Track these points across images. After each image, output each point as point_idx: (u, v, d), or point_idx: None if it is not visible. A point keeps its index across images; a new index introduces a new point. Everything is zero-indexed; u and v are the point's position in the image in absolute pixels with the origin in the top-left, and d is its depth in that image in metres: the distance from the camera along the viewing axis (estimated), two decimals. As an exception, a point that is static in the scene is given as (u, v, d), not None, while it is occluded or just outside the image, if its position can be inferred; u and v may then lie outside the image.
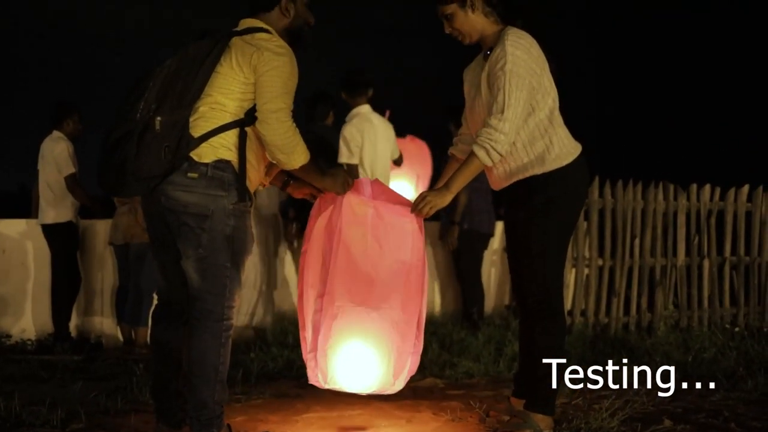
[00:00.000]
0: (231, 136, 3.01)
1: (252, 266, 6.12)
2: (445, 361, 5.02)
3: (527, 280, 3.36)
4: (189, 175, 2.96)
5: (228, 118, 3.00)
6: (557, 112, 3.31)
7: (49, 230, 6.15)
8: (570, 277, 6.23)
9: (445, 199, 3.26)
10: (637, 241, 6.33)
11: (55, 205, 6.10)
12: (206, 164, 2.97)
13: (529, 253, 3.32)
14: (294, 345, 5.32)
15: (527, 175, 3.29)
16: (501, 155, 3.19)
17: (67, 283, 6.16)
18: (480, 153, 3.19)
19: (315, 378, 3.23)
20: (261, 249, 6.08)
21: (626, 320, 6.26)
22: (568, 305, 6.29)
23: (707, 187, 6.58)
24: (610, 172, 6.44)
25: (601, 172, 6.33)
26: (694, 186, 6.54)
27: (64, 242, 6.16)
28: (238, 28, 3.11)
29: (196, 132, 2.97)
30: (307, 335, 3.29)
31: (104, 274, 6.51)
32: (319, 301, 3.17)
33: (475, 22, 3.29)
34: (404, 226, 3.22)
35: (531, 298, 3.37)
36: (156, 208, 3.06)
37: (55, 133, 6.20)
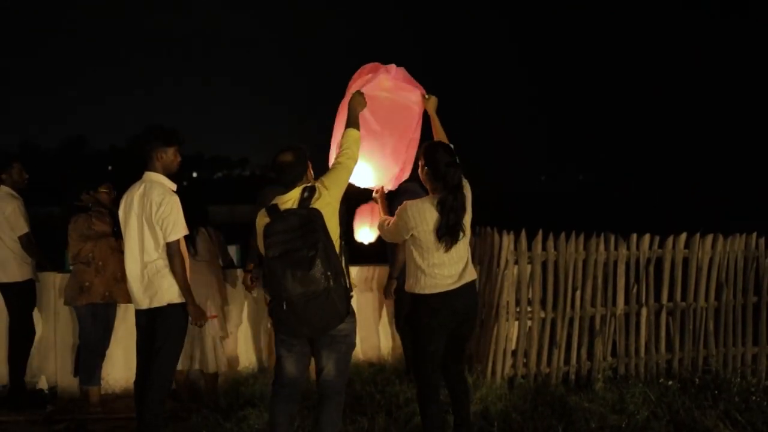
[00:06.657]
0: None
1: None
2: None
3: None
4: None
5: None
6: (437, 261, 4.44)
7: (8, 288, 6.14)
8: (513, 329, 6.42)
9: None
10: (578, 293, 6.53)
11: (17, 263, 6.09)
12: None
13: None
14: (243, 404, 5.50)
15: (407, 288, 4.59)
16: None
17: (24, 338, 6.18)
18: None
19: None
20: (213, 295, 6.14)
21: (566, 369, 6.51)
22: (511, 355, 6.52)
23: (647, 237, 6.76)
24: (553, 225, 6.59)
25: (544, 226, 6.50)
26: (635, 236, 6.72)
27: (23, 300, 6.18)
28: (301, 196, 4.09)
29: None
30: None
31: (57, 326, 6.52)
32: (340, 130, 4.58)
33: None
34: (410, 97, 4.83)
35: None
36: None
37: (2, 189, 6.15)
